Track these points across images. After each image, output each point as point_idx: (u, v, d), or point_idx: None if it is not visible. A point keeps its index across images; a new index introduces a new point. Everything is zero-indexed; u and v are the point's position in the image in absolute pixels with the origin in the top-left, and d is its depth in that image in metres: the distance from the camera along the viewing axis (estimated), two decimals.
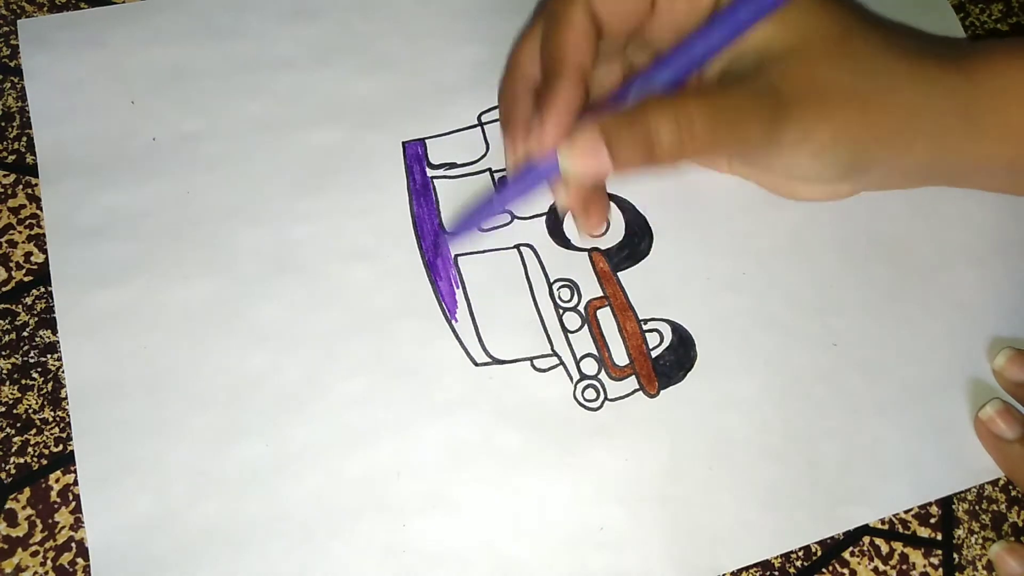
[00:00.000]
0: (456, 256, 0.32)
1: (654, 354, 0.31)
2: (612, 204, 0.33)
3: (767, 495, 0.29)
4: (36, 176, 0.32)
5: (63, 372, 0.30)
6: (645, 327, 0.32)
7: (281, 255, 0.32)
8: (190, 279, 0.31)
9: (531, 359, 0.31)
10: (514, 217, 0.33)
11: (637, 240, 0.33)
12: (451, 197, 0.33)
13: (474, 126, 0.34)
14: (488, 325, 0.31)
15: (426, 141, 0.34)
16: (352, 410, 0.30)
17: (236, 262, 0.31)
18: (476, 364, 0.31)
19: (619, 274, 0.32)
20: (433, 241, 0.32)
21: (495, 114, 0.34)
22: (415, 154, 0.34)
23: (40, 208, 0.31)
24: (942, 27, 0.38)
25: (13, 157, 0.32)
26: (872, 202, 0.34)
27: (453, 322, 0.31)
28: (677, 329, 0.32)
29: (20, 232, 0.32)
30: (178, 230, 0.32)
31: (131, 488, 0.28)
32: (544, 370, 0.31)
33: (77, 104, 0.33)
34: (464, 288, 0.32)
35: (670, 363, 0.31)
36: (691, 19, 0.28)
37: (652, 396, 0.31)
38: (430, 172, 0.33)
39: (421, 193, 0.33)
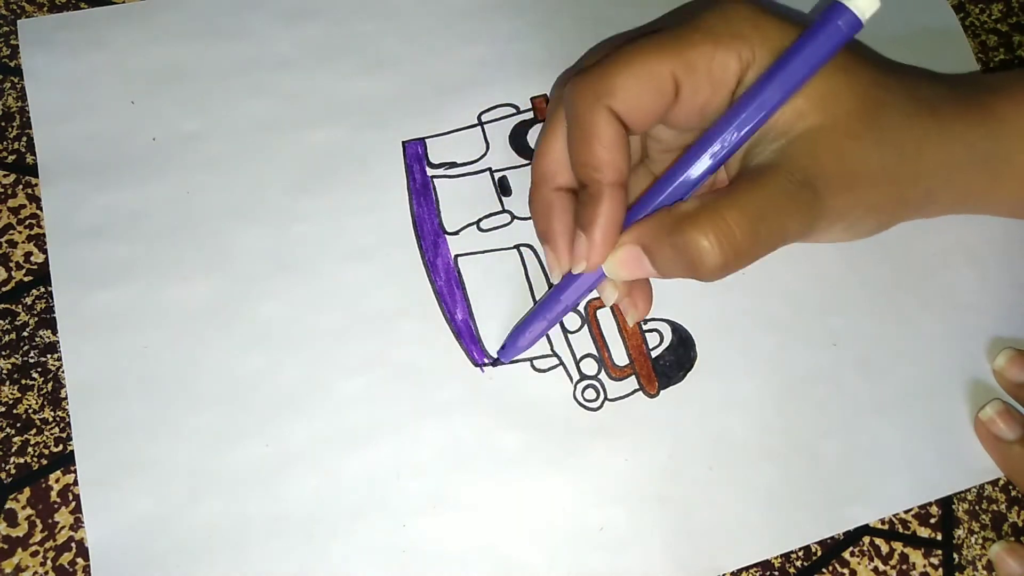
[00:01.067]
0: (456, 256, 0.32)
1: (654, 354, 0.31)
2: None
3: (767, 495, 0.29)
4: (36, 176, 0.32)
5: (63, 372, 0.30)
6: (645, 327, 0.32)
7: (281, 255, 0.32)
8: (190, 279, 0.31)
9: (531, 359, 0.31)
10: (514, 217, 0.33)
11: None
12: (451, 196, 0.33)
13: (474, 125, 0.34)
14: (487, 325, 0.31)
15: (426, 140, 0.34)
16: (352, 410, 0.30)
17: (236, 262, 0.31)
18: (476, 364, 0.31)
19: None
20: (433, 241, 0.32)
21: (495, 113, 0.34)
22: (415, 153, 0.34)
23: (40, 208, 0.31)
24: (940, 25, 0.38)
25: (13, 157, 0.32)
26: None
27: (453, 322, 0.31)
28: (677, 329, 0.32)
29: (20, 232, 0.32)
30: (178, 230, 0.32)
31: (131, 488, 0.28)
32: (544, 370, 0.31)
33: (77, 104, 0.33)
34: (464, 288, 0.32)
35: (670, 363, 0.31)
36: (716, 100, 0.27)
37: (652, 396, 0.31)
38: (430, 171, 0.33)
39: (421, 193, 0.33)
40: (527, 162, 0.34)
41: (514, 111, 0.34)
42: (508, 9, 0.36)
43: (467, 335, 0.31)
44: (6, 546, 0.28)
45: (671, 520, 0.29)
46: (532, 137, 0.34)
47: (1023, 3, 0.39)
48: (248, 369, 0.30)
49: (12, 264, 0.31)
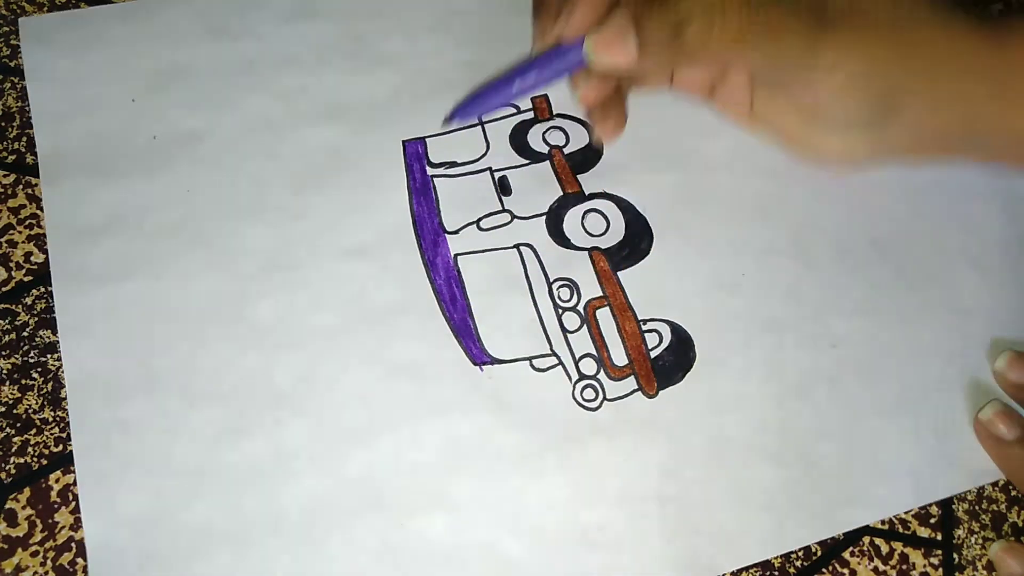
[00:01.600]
0: (456, 255, 0.32)
1: (653, 354, 0.31)
2: (612, 204, 0.33)
3: (765, 496, 0.29)
4: (36, 176, 0.32)
5: (63, 372, 0.30)
6: (644, 327, 0.32)
7: (281, 253, 0.32)
8: (190, 277, 0.31)
9: (530, 359, 0.31)
10: (514, 217, 0.33)
11: (637, 240, 0.33)
12: (451, 196, 0.33)
13: (474, 125, 0.34)
14: (487, 324, 0.31)
15: (426, 140, 0.34)
16: (350, 409, 0.30)
17: (236, 260, 0.31)
18: (475, 363, 0.31)
19: (619, 274, 0.32)
20: (433, 240, 0.32)
21: (495, 114, 0.34)
22: (415, 152, 0.34)
23: (40, 208, 0.32)
24: None
25: (13, 157, 0.32)
26: (873, 202, 0.34)
27: (451, 321, 0.31)
28: (676, 330, 0.32)
29: (20, 232, 0.32)
30: (178, 228, 0.32)
31: (129, 485, 0.28)
32: (543, 370, 0.31)
33: (78, 102, 0.33)
34: (463, 287, 0.32)
35: (669, 364, 0.31)
36: None
37: (651, 396, 0.31)
38: (430, 171, 0.33)
39: (421, 192, 0.33)
40: (527, 162, 0.34)
41: (515, 111, 0.35)
42: (509, 10, 0.36)
43: (466, 334, 0.31)
44: (6, 546, 0.28)
45: (669, 520, 0.29)
46: (533, 137, 0.34)
47: (1023, 2, 0.38)
48: (247, 367, 0.30)
49: (12, 264, 0.31)
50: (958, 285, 0.33)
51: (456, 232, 0.33)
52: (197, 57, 0.34)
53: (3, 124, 0.33)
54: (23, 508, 0.28)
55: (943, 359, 0.32)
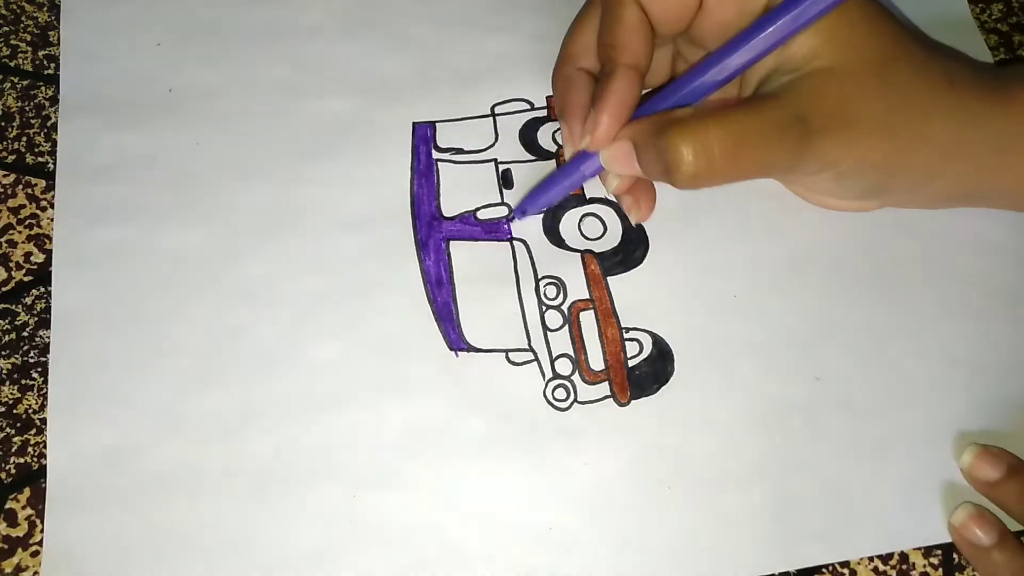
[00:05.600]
0: (448, 240, 0.32)
1: (631, 363, 0.31)
2: (611, 210, 0.33)
3: (722, 521, 0.29)
4: (36, 176, 0.32)
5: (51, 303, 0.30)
6: (626, 335, 0.31)
7: (277, 215, 0.32)
8: (187, 227, 0.32)
9: (507, 351, 0.31)
10: (512, 211, 0.33)
11: (632, 247, 0.33)
12: (453, 182, 0.33)
13: (486, 116, 0.34)
14: (468, 312, 0.31)
15: (436, 124, 0.34)
16: (321, 376, 0.30)
17: (232, 216, 0.32)
18: (451, 348, 0.31)
19: (609, 279, 0.32)
20: (428, 221, 0.32)
21: (509, 107, 0.35)
22: (424, 135, 0.34)
23: (40, 208, 0.32)
24: (953, 17, 0.37)
25: (13, 157, 0.33)
26: (878, 242, 0.33)
27: (435, 303, 0.31)
28: (658, 342, 0.31)
29: (20, 232, 0.32)
30: (182, 179, 0.32)
31: (98, 419, 0.29)
32: (518, 364, 0.31)
33: (106, 45, 0.34)
34: (451, 271, 0.32)
35: (645, 375, 0.31)
36: (740, 21, 0.28)
37: (622, 405, 0.30)
38: (436, 155, 0.34)
39: (424, 174, 0.33)
40: (534, 158, 0.34)
41: (528, 107, 0.35)
42: (537, 8, 0.36)
43: (447, 318, 0.31)
44: (6, 546, 0.28)
45: (620, 532, 0.28)
46: (543, 134, 0.34)
47: (1023, 3, 0.38)
48: (228, 322, 0.31)
49: (12, 264, 0.31)
50: (953, 335, 0.32)
51: (452, 219, 0.33)
52: (226, 15, 0.35)
53: (3, 124, 0.33)
54: (23, 508, 0.28)
55: (927, 409, 0.31)
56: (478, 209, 0.33)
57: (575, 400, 0.30)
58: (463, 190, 0.33)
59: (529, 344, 0.31)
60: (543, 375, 0.31)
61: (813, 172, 0.29)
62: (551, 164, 0.34)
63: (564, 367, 0.31)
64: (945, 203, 0.32)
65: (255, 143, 0.33)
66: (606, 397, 0.30)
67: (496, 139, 0.34)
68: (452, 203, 0.33)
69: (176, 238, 0.32)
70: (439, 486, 0.29)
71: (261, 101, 0.34)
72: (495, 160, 0.34)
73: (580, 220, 0.33)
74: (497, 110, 0.34)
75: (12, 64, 0.34)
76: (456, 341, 0.31)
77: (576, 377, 0.31)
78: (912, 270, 0.33)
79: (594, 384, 0.31)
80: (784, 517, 0.29)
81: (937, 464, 0.30)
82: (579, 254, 0.32)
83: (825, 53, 0.27)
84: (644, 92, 0.30)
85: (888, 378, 0.31)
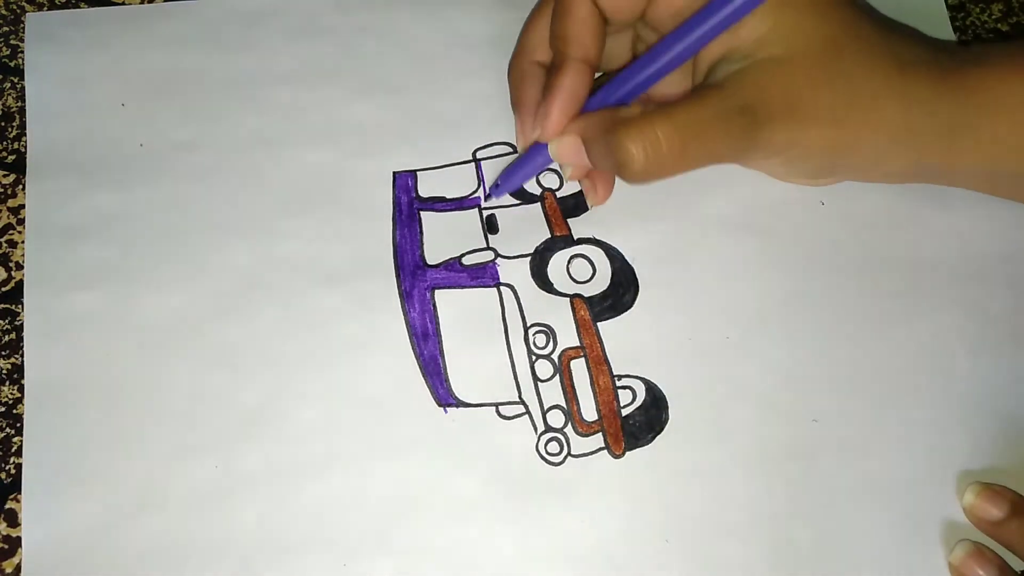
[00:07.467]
0: (433, 289, 0.32)
1: (624, 412, 0.30)
2: (600, 251, 0.32)
3: (722, 572, 0.28)
4: None
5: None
6: (619, 383, 0.31)
7: (256, 273, 0.31)
8: (163, 289, 0.31)
9: (497, 405, 0.30)
10: (498, 255, 0.32)
11: (622, 291, 0.32)
12: (436, 230, 0.32)
13: (468, 161, 0.34)
14: (456, 365, 0.30)
15: (417, 173, 0.33)
16: (307, 440, 0.29)
17: (210, 276, 0.31)
18: (439, 404, 0.30)
19: (599, 324, 0.31)
20: (412, 271, 0.32)
21: (491, 151, 0.34)
22: (404, 185, 0.33)
23: None
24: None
25: (13, 157, 0.32)
26: (871, 277, 0.32)
27: (421, 358, 0.30)
28: (651, 389, 0.31)
29: (20, 232, 0.31)
30: (156, 238, 0.31)
31: (75, 496, 0.28)
32: (509, 418, 0.30)
33: (73, 102, 0.33)
34: (437, 323, 0.31)
35: (640, 423, 0.30)
36: (691, 5, 0.28)
37: (617, 456, 0.30)
38: (418, 204, 0.33)
39: (406, 224, 0.32)
40: (518, 202, 0.33)
41: (510, 150, 0.34)
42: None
43: (434, 372, 0.30)
44: (6, 546, 0.28)
45: None
46: None
47: (1023, 3, 0.37)
48: (209, 387, 0.30)
49: (12, 264, 0.31)
50: (952, 372, 0.31)
51: (437, 267, 0.32)
52: (196, 67, 0.34)
53: (3, 124, 0.33)
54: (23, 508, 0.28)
55: (928, 450, 0.30)
56: (463, 255, 0.32)
57: (568, 454, 0.30)
58: (447, 237, 0.32)
59: (520, 396, 0.30)
60: (535, 428, 0.30)
61: (762, 158, 0.30)
62: (536, 208, 0.33)
63: (556, 419, 0.30)
64: (899, 180, 0.32)
65: (231, 198, 0.32)
66: (600, 449, 0.30)
67: (479, 185, 0.33)
68: (436, 251, 0.32)
69: (151, 301, 0.31)
70: (431, 551, 0.28)
71: (236, 155, 0.33)
72: (479, 206, 0.33)
73: (568, 262, 0.32)
74: (479, 155, 0.34)
75: (12, 64, 0.33)
76: (444, 396, 0.30)
77: (569, 429, 0.30)
78: (905, 306, 0.32)
79: (587, 436, 0.30)
80: (786, 566, 0.28)
81: (939, 504, 0.30)
82: (568, 299, 0.32)
83: (773, 41, 0.27)
84: (600, 76, 0.30)
85: (887, 417, 0.31)
